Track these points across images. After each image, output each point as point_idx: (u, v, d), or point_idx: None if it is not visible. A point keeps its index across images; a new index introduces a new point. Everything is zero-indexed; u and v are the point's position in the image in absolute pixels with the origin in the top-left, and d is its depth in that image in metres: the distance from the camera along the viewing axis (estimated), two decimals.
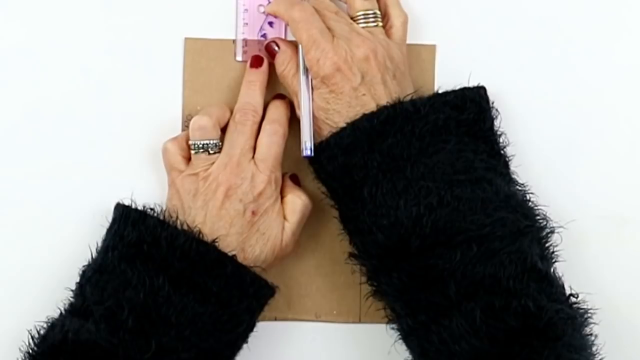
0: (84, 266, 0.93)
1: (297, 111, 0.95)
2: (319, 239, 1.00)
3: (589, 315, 0.91)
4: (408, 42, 0.97)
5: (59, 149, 0.98)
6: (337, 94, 0.93)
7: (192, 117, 0.97)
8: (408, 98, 0.92)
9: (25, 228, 0.99)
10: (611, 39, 1.00)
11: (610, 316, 0.97)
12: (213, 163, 0.94)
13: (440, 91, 0.95)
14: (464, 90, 0.94)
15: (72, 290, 0.93)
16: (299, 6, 0.94)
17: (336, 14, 0.95)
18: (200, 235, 0.91)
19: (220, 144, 0.95)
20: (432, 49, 0.99)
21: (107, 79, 0.98)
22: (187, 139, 0.95)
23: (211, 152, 0.94)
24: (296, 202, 0.96)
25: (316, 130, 0.94)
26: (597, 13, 1.00)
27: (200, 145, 0.94)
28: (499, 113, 0.95)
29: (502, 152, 0.95)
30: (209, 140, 0.94)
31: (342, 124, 0.92)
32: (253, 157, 0.94)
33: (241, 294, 0.91)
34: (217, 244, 0.91)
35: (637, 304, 1.01)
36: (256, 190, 0.93)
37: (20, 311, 0.97)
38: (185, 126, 0.98)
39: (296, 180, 0.98)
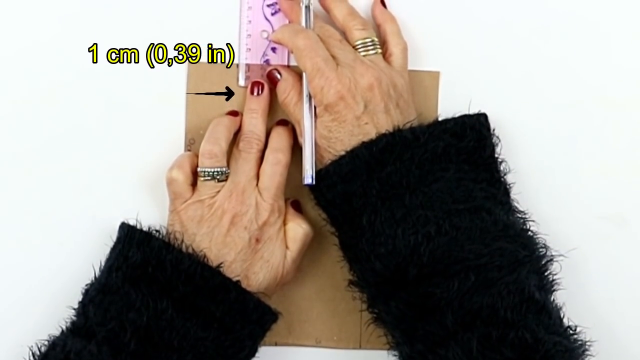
0: (87, 285, 0.93)
1: (300, 138, 0.95)
2: (320, 265, 1.00)
3: (587, 347, 0.90)
4: (411, 68, 0.98)
5: (64, 168, 0.98)
6: (340, 122, 0.92)
7: (195, 141, 0.98)
8: (408, 126, 0.92)
9: (29, 244, 0.98)
10: (613, 68, 1.00)
11: (610, 316, 0.99)
12: (219, 191, 0.94)
13: (441, 118, 0.95)
14: (464, 117, 0.94)
15: (74, 309, 0.92)
16: (303, 34, 0.94)
17: (340, 42, 0.95)
18: (206, 260, 0.91)
19: (228, 171, 0.94)
20: (435, 75, 0.99)
21: (112, 101, 0.98)
22: (191, 165, 0.95)
23: (219, 179, 0.94)
24: (297, 230, 0.96)
25: (318, 158, 0.94)
26: (600, 42, 1.00)
27: (210, 173, 0.94)
28: (499, 140, 0.95)
29: (502, 179, 0.94)
30: (219, 168, 0.94)
31: (344, 152, 0.92)
32: (257, 184, 0.94)
33: (244, 319, 0.91)
34: (221, 269, 0.91)
35: (637, 304, 1.01)
36: (261, 219, 0.93)
37: (22, 327, 0.97)
38: (188, 150, 0.98)
39: (298, 207, 0.98)
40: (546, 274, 0.92)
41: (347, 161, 0.92)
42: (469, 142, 0.93)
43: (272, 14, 0.99)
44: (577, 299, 0.96)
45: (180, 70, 0.98)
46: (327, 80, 0.92)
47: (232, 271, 0.92)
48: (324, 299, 1.00)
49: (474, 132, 0.93)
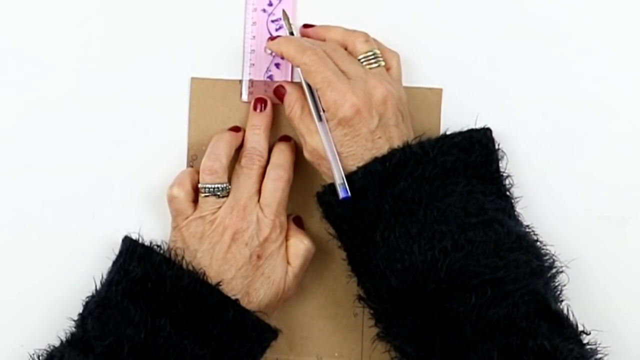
0: (87, 297, 0.93)
1: (305, 153, 0.95)
2: (321, 281, 1.00)
3: (598, 352, 0.90)
4: (414, 85, 0.98)
5: (69, 181, 0.99)
6: (354, 136, 0.91)
7: (197, 157, 0.98)
8: (415, 141, 0.92)
9: (32, 254, 0.99)
10: (613, 74, 1.00)
11: (610, 315, 1.00)
12: (220, 207, 0.94)
13: (447, 132, 0.95)
14: (471, 132, 0.94)
15: (74, 320, 0.93)
16: (311, 51, 0.93)
17: (348, 56, 0.94)
18: (205, 277, 0.90)
19: (229, 187, 0.94)
20: (438, 92, 0.99)
21: (115, 117, 0.98)
22: (192, 182, 0.95)
23: (220, 195, 0.94)
24: (299, 246, 0.95)
25: (326, 172, 0.93)
26: (603, 55, 1.00)
27: (211, 189, 0.93)
28: (504, 154, 0.95)
29: (508, 193, 0.94)
30: (219, 184, 0.94)
31: (355, 167, 0.91)
32: (259, 200, 0.94)
33: (242, 338, 0.90)
34: (221, 287, 0.90)
35: (637, 304, 1.01)
36: (262, 235, 0.93)
37: (22, 336, 0.98)
38: (190, 165, 0.98)
39: (300, 223, 0.98)
40: (556, 284, 0.92)
41: (360, 177, 0.91)
42: (477, 156, 0.93)
43: (277, 30, 0.99)
44: (577, 299, 0.95)
45: (184, 86, 0.99)
46: (340, 93, 0.91)
47: (232, 287, 0.92)
48: (325, 315, 1.00)
49: (481, 146, 0.93)
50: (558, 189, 1.00)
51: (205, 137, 0.98)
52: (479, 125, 0.96)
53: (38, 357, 0.92)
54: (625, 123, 1.00)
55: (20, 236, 0.99)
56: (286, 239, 0.96)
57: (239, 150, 0.97)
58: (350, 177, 0.91)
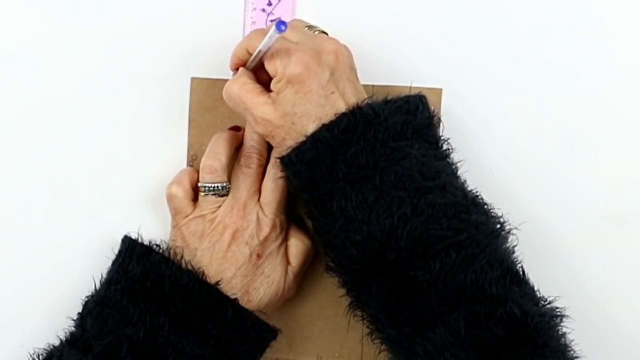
0: (86, 297, 0.93)
1: (256, 128, 0.90)
2: (321, 281, 0.99)
3: (565, 314, 0.87)
4: (415, 85, 0.97)
5: (68, 180, 0.99)
6: (305, 93, 0.88)
7: (197, 157, 0.98)
8: (365, 102, 0.88)
9: (32, 253, 0.99)
10: (612, 71, 1.00)
11: (608, 316, 1.00)
12: (220, 206, 0.93)
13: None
14: (409, 97, 0.90)
15: (73, 320, 0.93)
16: (252, 31, 0.92)
17: (294, 28, 0.92)
18: (204, 277, 0.90)
19: (229, 186, 0.94)
20: (438, 92, 0.99)
21: (115, 117, 0.99)
22: (191, 181, 0.95)
23: (220, 194, 0.94)
24: (299, 245, 0.95)
25: (279, 142, 0.90)
26: (603, 55, 1.00)
27: (210, 188, 0.93)
28: (440, 120, 0.93)
29: (449, 158, 0.91)
30: (219, 183, 0.94)
31: (310, 127, 0.88)
32: (259, 199, 0.94)
33: (241, 337, 0.90)
34: (220, 286, 0.90)
35: (637, 304, 1.01)
36: (262, 234, 0.93)
37: (22, 335, 0.98)
38: (190, 165, 0.98)
39: (300, 223, 0.98)
40: (513, 245, 0.89)
41: (309, 146, 0.87)
42: (421, 118, 0.90)
43: None
44: (577, 299, 0.96)
45: (184, 86, 0.99)
46: (286, 52, 0.88)
47: (232, 286, 0.91)
48: (325, 315, 1.00)
49: (425, 109, 0.91)
50: (558, 189, 1.00)
51: (205, 137, 0.97)
52: (479, 126, 0.96)
53: (38, 357, 0.92)
54: (625, 123, 1.00)
55: (20, 236, 0.99)
56: (286, 238, 0.95)
57: (239, 149, 0.96)
58: (299, 147, 0.88)
